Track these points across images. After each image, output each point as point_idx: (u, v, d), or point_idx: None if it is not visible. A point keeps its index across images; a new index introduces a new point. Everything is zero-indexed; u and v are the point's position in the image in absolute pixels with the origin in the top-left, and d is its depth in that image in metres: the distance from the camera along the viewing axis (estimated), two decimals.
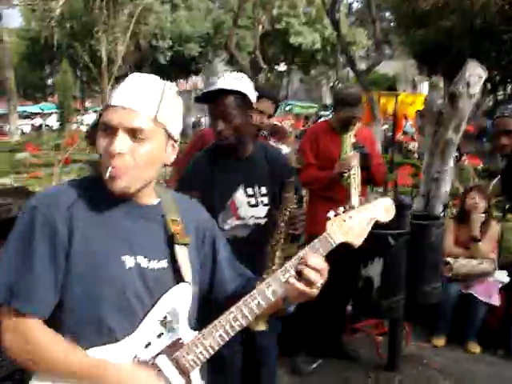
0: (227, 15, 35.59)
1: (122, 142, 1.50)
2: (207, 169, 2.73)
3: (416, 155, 15.43)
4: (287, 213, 2.71)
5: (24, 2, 16.76)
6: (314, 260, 1.66)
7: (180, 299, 1.64)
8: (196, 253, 1.75)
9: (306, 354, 4.39)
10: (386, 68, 34.36)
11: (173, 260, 1.63)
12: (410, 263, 4.05)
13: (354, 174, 3.90)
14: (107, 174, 1.51)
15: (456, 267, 4.70)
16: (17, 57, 43.05)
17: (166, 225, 1.65)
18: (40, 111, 35.42)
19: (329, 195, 4.01)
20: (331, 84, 42.25)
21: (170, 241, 1.64)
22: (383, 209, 1.85)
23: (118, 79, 13.03)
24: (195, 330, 1.66)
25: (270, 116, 3.55)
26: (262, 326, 2.64)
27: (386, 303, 3.89)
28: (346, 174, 3.90)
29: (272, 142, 3.48)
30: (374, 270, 3.89)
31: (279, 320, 3.43)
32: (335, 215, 1.79)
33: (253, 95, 2.70)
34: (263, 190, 2.82)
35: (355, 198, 3.83)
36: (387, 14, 31.92)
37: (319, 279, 1.66)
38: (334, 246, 1.75)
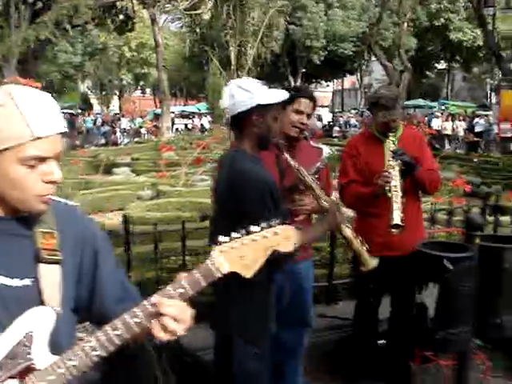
0: (384, 13, 34.82)
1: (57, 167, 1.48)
2: None
3: None
4: None
5: (176, 8, 17.61)
6: (168, 309, 1.48)
7: (38, 323, 1.49)
8: (73, 269, 1.60)
9: (368, 379, 4.06)
10: None
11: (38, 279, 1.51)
12: (482, 291, 3.59)
13: (396, 186, 3.50)
14: (42, 204, 1.49)
15: None
16: (179, 58, 45.56)
17: (35, 239, 1.52)
18: (197, 111, 36.96)
19: (374, 212, 3.66)
20: (496, 82, 39.71)
21: (37, 258, 1.51)
22: (283, 237, 1.62)
23: None
24: None
25: (309, 115, 3.32)
26: (373, 262, 3.15)
27: (442, 335, 3.45)
28: (386, 188, 3.53)
29: (312, 142, 3.25)
30: (429, 296, 3.46)
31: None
32: (230, 240, 1.58)
33: None
34: None
35: (396, 215, 3.45)
36: None
37: (178, 328, 1.49)
38: (218, 276, 1.56)
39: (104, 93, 46.84)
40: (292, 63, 39.95)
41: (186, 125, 31.03)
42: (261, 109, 2.65)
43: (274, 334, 3.62)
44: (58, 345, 1.52)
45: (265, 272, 2.63)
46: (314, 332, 4.36)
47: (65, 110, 34.53)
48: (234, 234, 1.58)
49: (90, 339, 1.48)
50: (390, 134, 3.67)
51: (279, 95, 2.72)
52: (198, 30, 12.67)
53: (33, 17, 16.70)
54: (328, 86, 51.59)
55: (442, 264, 3.38)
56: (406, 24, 19.49)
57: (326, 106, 42.49)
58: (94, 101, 46.63)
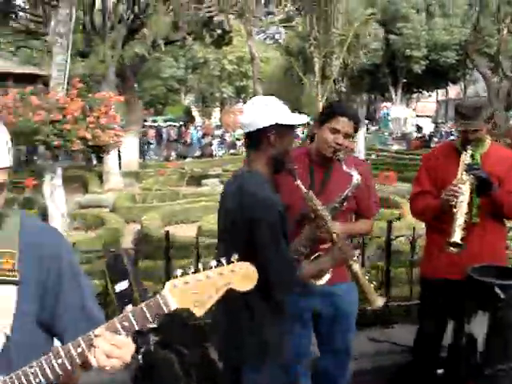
0: (487, 20, 33.33)
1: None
2: None
3: None
4: None
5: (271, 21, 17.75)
6: (100, 342, 1.44)
7: None
8: (36, 287, 1.58)
9: None
10: None
11: None
12: None
13: (462, 201, 3.26)
14: None
15: None
16: (281, 71, 45.77)
17: None
18: None
19: (443, 228, 3.39)
20: None
21: None
22: (241, 275, 1.54)
23: (339, 94, 12.68)
24: None
25: (347, 135, 3.11)
26: (379, 301, 2.98)
27: (491, 371, 3.13)
28: (452, 203, 3.27)
29: (344, 167, 3.02)
30: (478, 326, 3.15)
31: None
32: (182, 274, 1.51)
33: None
34: None
35: (457, 232, 3.22)
36: None
37: (108, 363, 1.44)
38: (166, 311, 1.49)
39: (205, 105, 47.92)
40: (392, 73, 39.16)
41: None
42: (279, 129, 2.55)
43: (315, 361, 3.49)
44: (9, 366, 1.50)
45: (275, 299, 2.53)
46: (371, 356, 4.15)
47: (169, 123, 35.65)
48: (189, 270, 1.51)
49: (33, 365, 1.45)
50: (469, 147, 3.43)
51: (300, 118, 2.65)
52: (281, 42, 12.55)
53: (129, 34, 17.33)
54: (430, 95, 50.11)
55: (492, 292, 3.08)
56: (506, 30, 18.46)
57: (428, 116, 41.22)
58: (195, 113, 47.75)
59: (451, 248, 3.27)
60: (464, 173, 3.35)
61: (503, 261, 3.70)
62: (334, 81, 11.86)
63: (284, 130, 2.58)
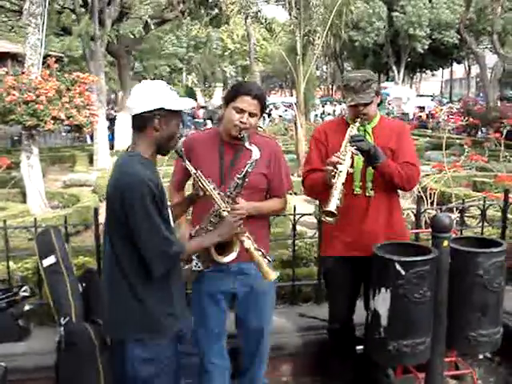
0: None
1: None
2: None
3: None
4: None
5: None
6: None
7: None
8: None
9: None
10: None
11: None
12: (452, 301, 3.29)
13: (341, 172, 3.23)
14: None
15: None
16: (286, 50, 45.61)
17: None
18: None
19: (341, 211, 3.27)
20: None
21: None
22: None
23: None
24: None
25: (252, 114, 3.14)
26: (272, 275, 2.89)
27: (395, 346, 3.17)
28: (332, 173, 3.24)
29: (247, 144, 3.05)
30: (381, 302, 3.19)
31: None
32: None
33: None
34: None
35: (333, 201, 3.17)
36: None
37: None
38: None
39: (207, 85, 47.84)
40: (396, 53, 38.87)
41: (280, 115, 30.78)
42: (165, 113, 2.60)
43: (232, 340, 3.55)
44: None
45: (153, 275, 2.57)
46: (296, 331, 4.20)
47: None
48: None
49: None
50: (357, 120, 3.43)
51: (186, 103, 2.69)
52: (263, 21, 12.34)
53: (121, 13, 17.31)
54: (433, 75, 49.67)
55: (393, 268, 3.12)
56: (499, 8, 18.22)
57: (431, 96, 40.85)
58: (198, 93, 47.74)
59: (326, 217, 3.19)
60: (348, 144, 3.31)
61: (403, 231, 3.67)
62: (337, 59, 11.73)
63: (169, 115, 2.62)
